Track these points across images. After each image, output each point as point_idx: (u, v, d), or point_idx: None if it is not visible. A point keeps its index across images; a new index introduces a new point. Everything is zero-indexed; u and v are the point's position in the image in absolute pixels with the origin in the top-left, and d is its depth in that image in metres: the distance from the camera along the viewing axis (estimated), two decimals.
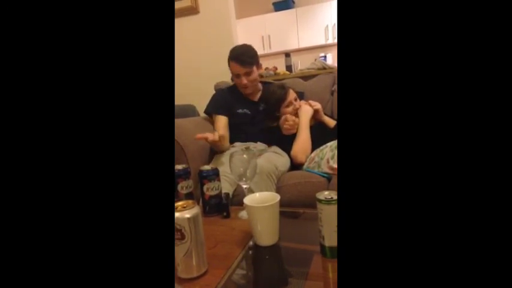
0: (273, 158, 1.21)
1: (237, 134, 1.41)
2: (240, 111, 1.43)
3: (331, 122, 1.39)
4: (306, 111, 1.34)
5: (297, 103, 1.39)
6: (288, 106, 1.38)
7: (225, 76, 1.85)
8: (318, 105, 1.37)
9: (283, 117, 1.29)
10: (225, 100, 1.46)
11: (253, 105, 1.46)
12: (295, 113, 1.36)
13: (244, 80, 1.38)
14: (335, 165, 1.12)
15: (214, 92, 1.62)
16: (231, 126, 1.43)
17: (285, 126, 1.28)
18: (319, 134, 1.31)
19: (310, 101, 1.39)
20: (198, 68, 2.05)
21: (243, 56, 1.35)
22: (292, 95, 1.39)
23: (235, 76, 1.41)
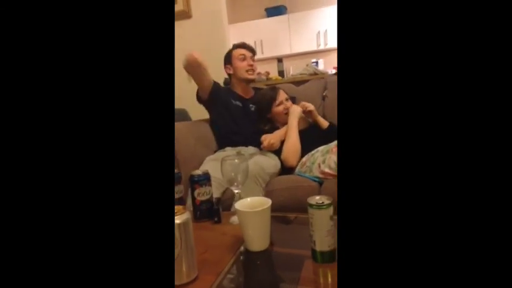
0: (260, 160, 1.21)
1: (231, 133, 1.42)
2: (233, 102, 1.47)
3: (325, 123, 1.40)
4: (295, 112, 1.35)
5: (288, 103, 1.41)
6: (279, 106, 1.40)
7: (217, 80, 1.84)
8: (311, 106, 1.39)
9: (262, 137, 1.28)
10: (223, 90, 1.54)
11: (245, 101, 1.51)
12: (286, 113, 1.38)
13: (251, 61, 1.49)
14: (326, 170, 1.12)
15: None
16: (226, 124, 1.45)
17: (263, 145, 1.27)
18: (310, 138, 1.32)
19: (303, 102, 1.40)
20: None
21: (247, 44, 1.54)
22: (283, 95, 1.43)
23: (241, 59, 1.48)
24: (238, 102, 1.48)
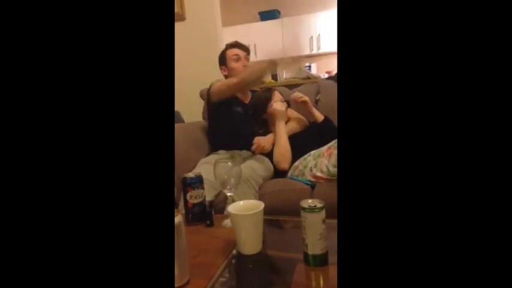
0: (252, 163, 1.21)
1: (228, 137, 1.40)
2: (235, 108, 1.44)
3: (320, 116, 1.41)
4: (279, 114, 1.34)
5: (275, 103, 1.40)
6: None
7: (210, 83, 1.84)
8: (304, 97, 1.38)
9: (254, 140, 1.29)
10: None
11: (245, 106, 1.48)
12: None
13: (245, 61, 1.44)
14: (318, 174, 1.13)
15: (199, 99, 1.61)
16: (226, 128, 1.41)
17: (252, 148, 1.28)
18: (307, 140, 1.32)
19: (297, 93, 1.40)
20: (183, 74, 2.04)
21: (240, 43, 1.49)
22: (277, 96, 1.43)
23: (235, 60, 1.45)
24: (239, 108, 1.44)
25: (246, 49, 1.48)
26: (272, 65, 1.22)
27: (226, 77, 1.51)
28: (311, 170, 1.16)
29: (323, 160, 1.13)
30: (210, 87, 1.42)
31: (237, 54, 1.45)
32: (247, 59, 1.48)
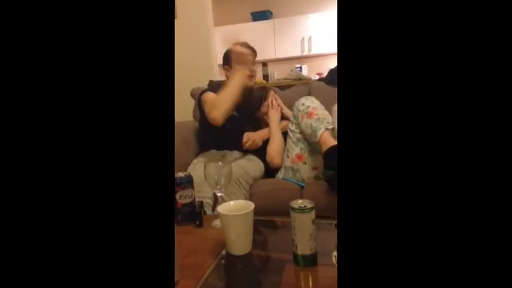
0: (243, 164, 1.21)
1: (220, 139, 1.36)
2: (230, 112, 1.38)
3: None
4: (275, 113, 1.37)
5: (266, 103, 1.42)
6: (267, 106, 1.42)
7: (201, 82, 1.83)
8: (278, 100, 1.44)
9: (245, 136, 1.29)
10: None
11: (239, 108, 1.42)
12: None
13: (251, 65, 1.36)
14: (293, 153, 1.18)
15: (189, 98, 1.59)
16: (219, 130, 1.36)
17: (246, 146, 1.29)
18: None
19: (272, 92, 1.45)
20: (174, 73, 2.02)
21: (247, 44, 1.39)
22: (272, 96, 1.44)
23: (239, 61, 1.35)
24: (234, 112, 1.37)
25: (253, 51, 1.39)
26: (242, 76, 1.20)
27: (227, 76, 1.42)
28: (288, 156, 1.21)
29: (288, 141, 1.22)
30: (201, 93, 1.35)
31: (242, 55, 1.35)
32: (253, 62, 1.39)
